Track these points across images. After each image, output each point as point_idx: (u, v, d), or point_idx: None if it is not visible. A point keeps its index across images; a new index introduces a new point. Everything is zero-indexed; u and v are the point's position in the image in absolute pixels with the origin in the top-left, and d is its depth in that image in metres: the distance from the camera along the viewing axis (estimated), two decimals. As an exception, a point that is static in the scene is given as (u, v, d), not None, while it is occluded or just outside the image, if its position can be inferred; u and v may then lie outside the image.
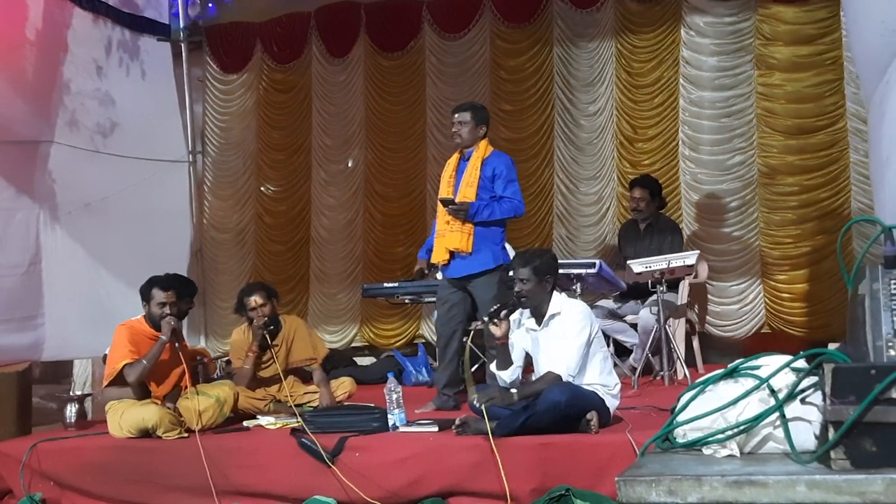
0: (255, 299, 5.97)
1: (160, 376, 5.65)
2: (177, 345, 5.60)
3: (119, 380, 5.54)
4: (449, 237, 5.71)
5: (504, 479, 4.41)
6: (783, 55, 7.97)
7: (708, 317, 8.02)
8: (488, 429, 4.46)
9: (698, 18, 8.18)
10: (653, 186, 7.38)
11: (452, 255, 5.76)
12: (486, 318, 4.87)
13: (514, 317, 4.98)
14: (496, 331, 4.80)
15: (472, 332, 6.14)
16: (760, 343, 7.54)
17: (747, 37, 8.07)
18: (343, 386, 6.15)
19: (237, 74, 9.51)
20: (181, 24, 8.52)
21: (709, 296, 8.04)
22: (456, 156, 5.98)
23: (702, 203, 8.17)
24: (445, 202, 5.70)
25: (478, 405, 4.48)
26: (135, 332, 5.64)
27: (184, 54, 8.52)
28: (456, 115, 5.89)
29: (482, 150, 5.82)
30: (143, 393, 5.59)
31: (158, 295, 5.61)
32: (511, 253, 7.48)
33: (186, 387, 5.57)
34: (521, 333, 5.00)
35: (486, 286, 5.63)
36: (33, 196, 6.69)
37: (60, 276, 6.75)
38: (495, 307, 4.85)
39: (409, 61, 9.08)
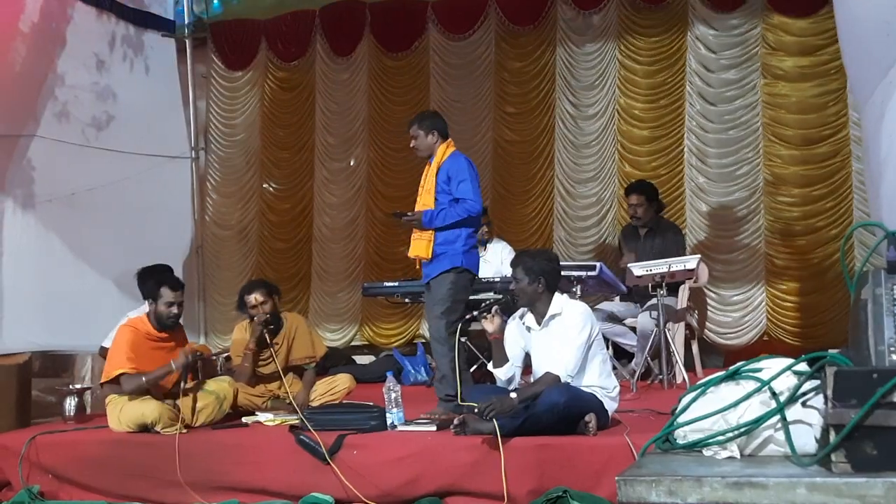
0: (255, 297, 5.94)
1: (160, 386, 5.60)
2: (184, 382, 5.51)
3: (116, 383, 5.51)
4: (413, 244, 5.77)
5: (504, 478, 4.42)
6: (788, 65, 8.00)
7: (710, 324, 8.02)
8: (497, 429, 4.45)
9: (704, 28, 8.21)
10: (649, 191, 7.36)
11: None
12: (475, 314, 4.89)
13: (516, 314, 5.01)
14: (488, 326, 4.84)
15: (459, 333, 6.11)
16: (761, 350, 7.54)
17: (753, 46, 8.08)
18: (342, 382, 6.15)
19: (241, 72, 9.52)
20: (186, 21, 8.54)
21: (713, 303, 8.05)
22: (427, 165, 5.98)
23: (707, 211, 8.19)
24: (397, 215, 5.85)
25: (487, 418, 4.48)
26: (138, 334, 5.58)
27: (188, 51, 8.55)
28: (409, 131, 5.91)
29: (440, 155, 5.79)
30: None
31: (167, 294, 5.56)
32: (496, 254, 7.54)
33: (185, 382, 5.55)
34: (522, 332, 5.00)
35: (437, 285, 5.66)
36: (2, 190, 6.62)
37: (29, 268, 6.67)
38: (485, 304, 4.87)
39: (414, 61, 9.08)
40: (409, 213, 5.75)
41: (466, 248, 5.67)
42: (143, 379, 5.42)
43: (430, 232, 5.69)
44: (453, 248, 5.65)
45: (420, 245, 5.71)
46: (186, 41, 8.51)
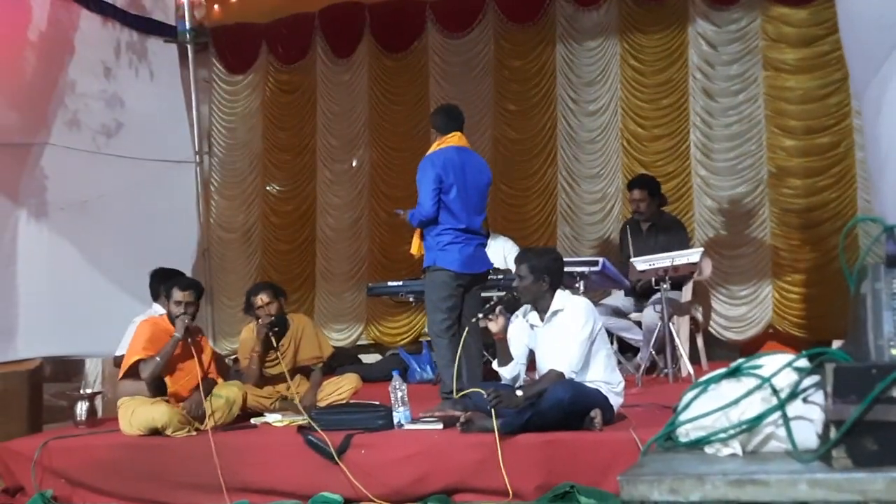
0: (261, 297, 6.01)
1: (179, 375, 5.67)
2: (189, 341, 5.61)
3: (135, 374, 5.59)
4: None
5: (505, 477, 4.46)
6: (789, 56, 8.02)
7: (717, 318, 8.05)
8: (495, 426, 4.49)
9: (705, 21, 8.25)
10: (651, 186, 7.36)
11: None
12: (480, 315, 4.93)
13: (518, 312, 5.05)
14: (492, 326, 4.86)
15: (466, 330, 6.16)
16: (768, 342, 7.59)
17: (754, 39, 8.11)
18: (348, 382, 6.19)
19: (243, 75, 9.58)
20: (187, 26, 8.56)
21: (719, 297, 8.07)
22: None
23: (713, 206, 8.22)
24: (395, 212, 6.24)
25: (489, 407, 4.53)
26: (157, 328, 5.67)
27: (190, 55, 8.57)
28: None
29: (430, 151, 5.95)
30: (157, 390, 5.63)
31: (176, 294, 5.64)
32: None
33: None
34: (526, 329, 5.03)
35: (425, 284, 5.89)
36: (16, 199, 6.66)
37: (41, 276, 6.71)
38: (489, 304, 4.91)
39: (413, 61, 9.12)
40: (402, 211, 5.95)
41: (441, 246, 5.74)
42: (157, 358, 5.50)
43: (418, 229, 5.87)
44: (429, 247, 5.75)
45: (413, 241, 5.92)
46: (188, 46, 8.54)
